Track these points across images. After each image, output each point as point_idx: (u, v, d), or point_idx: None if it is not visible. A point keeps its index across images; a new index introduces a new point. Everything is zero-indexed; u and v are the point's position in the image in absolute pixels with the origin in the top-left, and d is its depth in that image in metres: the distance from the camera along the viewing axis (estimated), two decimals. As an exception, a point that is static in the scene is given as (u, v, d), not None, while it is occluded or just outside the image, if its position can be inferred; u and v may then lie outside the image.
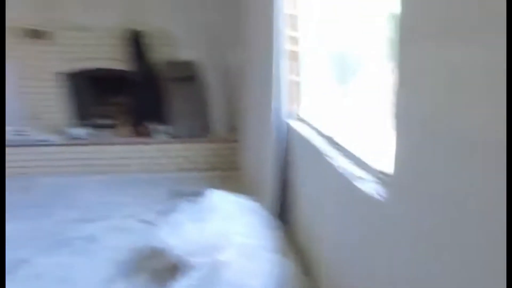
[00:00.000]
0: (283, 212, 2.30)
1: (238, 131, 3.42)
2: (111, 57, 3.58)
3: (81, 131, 3.60)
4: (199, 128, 3.59)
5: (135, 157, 3.53)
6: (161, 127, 3.55)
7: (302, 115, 2.27)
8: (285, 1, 2.11)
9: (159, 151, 3.51)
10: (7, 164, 3.50)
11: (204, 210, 2.01)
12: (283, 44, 2.16)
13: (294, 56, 2.23)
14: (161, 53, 3.58)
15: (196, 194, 2.28)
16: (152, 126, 3.57)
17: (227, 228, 1.87)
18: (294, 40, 2.21)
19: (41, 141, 3.51)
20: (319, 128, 1.92)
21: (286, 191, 2.30)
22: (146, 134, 3.57)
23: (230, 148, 3.53)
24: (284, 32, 2.15)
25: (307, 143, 1.89)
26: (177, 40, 3.59)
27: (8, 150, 3.48)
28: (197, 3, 3.54)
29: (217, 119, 3.64)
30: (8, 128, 3.52)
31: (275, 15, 2.11)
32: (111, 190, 3.18)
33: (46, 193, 3.18)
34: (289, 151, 2.25)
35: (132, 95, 3.58)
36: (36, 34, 3.48)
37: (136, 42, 3.46)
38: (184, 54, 3.62)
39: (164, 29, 3.55)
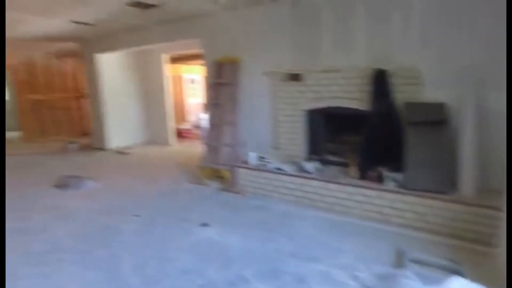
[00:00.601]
0: None
1: (496, 196, 2.56)
2: (352, 96, 3.59)
3: (311, 165, 3.74)
4: (439, 182, 2.94)
5: (359, 201, 3.27)
6: (392, 174, 3.16)
7: None
8: None
9: (387, 200, 3.10)
10: (247, 183, 4.11)
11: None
12: None
13: None
14: (404, 93, 3.26)
15: (432, 264, 1.75)
16: (383, 171, 3.23)
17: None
18: None
19: (277, 169, 3.88)
20: None
21: None
22: (375, 178, 3.26)
23: (481, 215, 2.67)
24: None
25: None
26: (424, 80, 3.19)
27: (251, 172, 4.07)
28: (454, 41, 3.03)
29: (466, 175, 2.88)
30: (253, 154, 4.15)
31: None
32: (329, 230, 3.04)
33: (273, 216, 3.40)
34: None
35: (366, 136, 3.39)
36: (294, 77, 3.98)
37: (380, 81, 3.30)
38: (430, 94, 3.15)
39: (411, 68, 3.23)
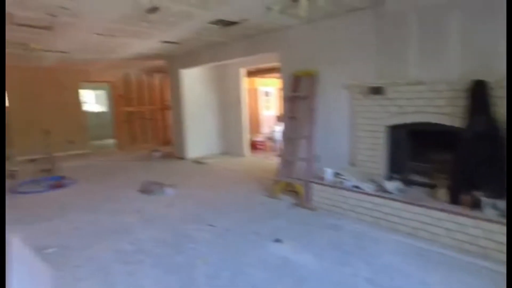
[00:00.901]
0: None
1: None
2: (442, 111, 3.24)
3: (392, 185, 3.45)
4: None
5: (449, 228, 2.90)
6: (492, 200, 2.74)
7: None
8: None
9: (485, 230, 2.69)
10: (322, 200, 3.95)
11: None
12: None
13: None
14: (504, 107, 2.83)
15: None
16: (480, 196, 2.83)
17: None
18: None
19: (355, 187, 3.67)
20: None
21: None
22: (469, 203, 2.87)
23: None
24: None
25: None
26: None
27: (326, 189, 3.92)
28: None
29: None
30: (329, 170, 3.99)
31: None
32: (412, 258, 2.74)
33: (349, 237, 3.21)
34: None
35: (460, 155, 3.01)
36: (375, 90, 3.75)
37: (478, 94, 2.92)
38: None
39: (519, 79, 2.79)
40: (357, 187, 3.64)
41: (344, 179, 3.80)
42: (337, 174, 3.92)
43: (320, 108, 4.45)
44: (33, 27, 4.35)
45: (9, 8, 3.55)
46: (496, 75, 2.88)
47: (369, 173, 3.88)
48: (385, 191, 3.45)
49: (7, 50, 5.85)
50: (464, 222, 2.80)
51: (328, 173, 3.99)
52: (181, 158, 7.80)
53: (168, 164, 7.34)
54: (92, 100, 12.18)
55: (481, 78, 2.94)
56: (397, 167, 3.76)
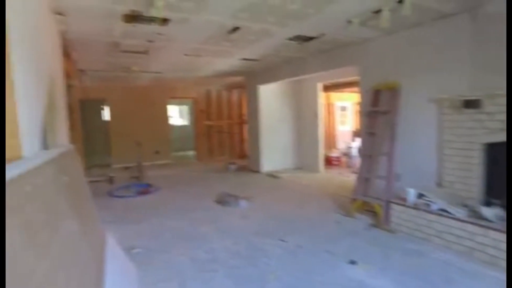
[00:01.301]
0: None
1: None
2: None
3: (490, 211, 3.02)
4: None
5: None
6: None
7: None
8: None
9: None
10: (402, 222, 3.64)
11: None
12: None
13: None
14: None
15: None
16: None
17: None
18: None
19: (442, 210, 3.30)
20: None
21: None
22: None
23: None
24: None
25: None
26: None
27: (408, 210, 3.60)
28: None
29: None
30: (412, 190, 3.66)
31: None
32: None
33: (434, 266, 2.88)
34: None
35: None
36: (470, 104, 3.38)
37: None
38: None
39: None
40: (445, 210, 3.28)
41: (429, 201, 3.46)
42: (421, 195, 3.59)
43: (402, 123, 4.14)
44: (134, 53, 4.94)
45: (117, 39, 4.13)
46: None
47: (459, 196, 3.46)
48: (482, 218, 3.03)
49: (113, 73, 6.76)
50: None
51: (411, 194, 3.67)
52: (256, 171, 7.96)
53: (243, 176, 7.54)
54: (176, 115, 13.25)
55: None
56: (495, 191, 3.28)
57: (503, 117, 3.13)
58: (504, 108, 3.11)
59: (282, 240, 3.57)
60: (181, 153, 11.31)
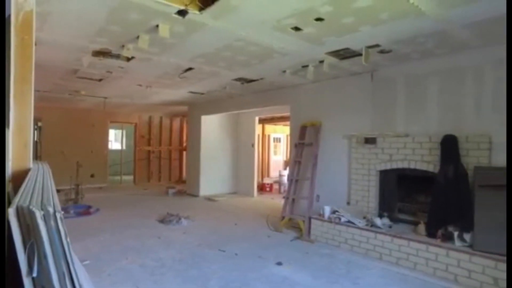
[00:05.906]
0: None
1: None
2: (423, 159, 3.89)
3: (381, 221, 4.01)
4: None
5: (426, 257, 3.42)
6: (461, 234, 3.29)
7: None
8: None
9: (454, 258, 3.21)
10: (320, 234, 4.48)
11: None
12: None
13: None
14: (473, 157, 3.48)
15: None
16: (452, 230, 3.38)
17: None
18: None
19: (349, 222, 4.22)
20: None
21: None
22: (443, 237, 3.41)
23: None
24: None
25: None
26: (494, 145, 3.38)
27: (324, 224, 4.46)
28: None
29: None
30: (328, 207, 4.57)
31: None
32: (393, 281, 3.24)
33: (341, 263, 3.71)
34: None
35: (435, 196, 3.61)
36: (369, 140, 4.45)
37: (449, 146, 3.58)
38: (500, 158, 3.32)
39: (481, 134, 3.46)
40: (351, 222, 4.20)
41: (340, 215, 4.37)
42: (334, 211, 4.50)
43: (322, 154, 5.13)
44: (89, 79, 5.30)
45: (79, 67, 4.47)
46: (464, 131, 3.58)
47: (362, 211, 4.44)
48: (375, 226, 3.99)
49: (55, 95, 6.86)
50: (438, 252, 3.33)
51: (327, 210, 4.57)
52: (195, 195, 8.42)
53: (182, 200, 7.94)
54: (112, 138, 13.12)
55: (451, 133, 3.63)
56: (386, 206, 4.34)
57: (391, 151, 4.23)
58: (391, 145, 4.22)
59: (221, 250, 4.14)
60: (117, 178, 11.23)
